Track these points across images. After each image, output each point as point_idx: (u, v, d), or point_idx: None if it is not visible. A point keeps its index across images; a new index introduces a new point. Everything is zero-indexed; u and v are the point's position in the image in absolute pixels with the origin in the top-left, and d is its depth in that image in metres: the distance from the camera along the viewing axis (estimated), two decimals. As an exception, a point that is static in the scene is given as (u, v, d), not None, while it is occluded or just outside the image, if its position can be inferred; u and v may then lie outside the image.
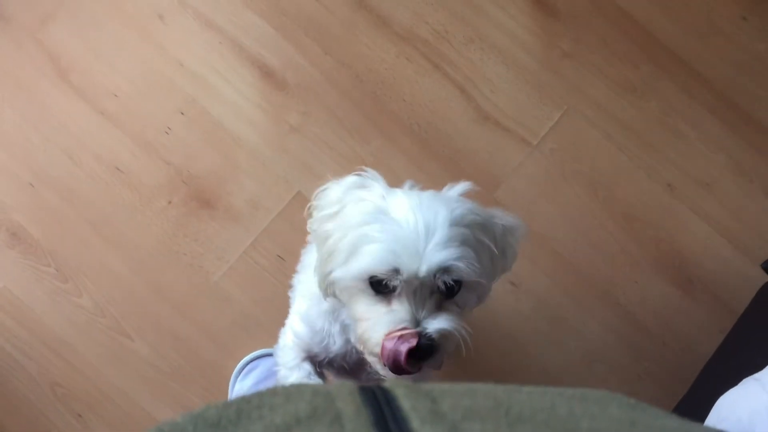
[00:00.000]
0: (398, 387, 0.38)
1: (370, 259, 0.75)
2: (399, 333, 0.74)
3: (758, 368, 0.93)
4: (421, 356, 0.74)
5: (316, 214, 0.86)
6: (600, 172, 1.52)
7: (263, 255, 1.46)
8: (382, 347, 0.75)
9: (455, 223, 0.76)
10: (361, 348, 0.81)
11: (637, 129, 1.53)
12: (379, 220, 0.77)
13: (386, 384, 0.39)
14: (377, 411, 0.35)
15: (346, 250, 0.78)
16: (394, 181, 0.86)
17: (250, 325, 1.44)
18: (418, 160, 1.50)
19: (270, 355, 1.39)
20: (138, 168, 1.48)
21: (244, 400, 0.36)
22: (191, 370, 1.42)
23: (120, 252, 1.45)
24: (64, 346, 1.42)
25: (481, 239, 0.79)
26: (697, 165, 1.53)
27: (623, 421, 0.37)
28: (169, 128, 1.49)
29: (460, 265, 0.74)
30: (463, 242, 0.76)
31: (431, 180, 1.45)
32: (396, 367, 0.75)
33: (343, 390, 0.37)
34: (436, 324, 0.75)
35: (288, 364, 1.00)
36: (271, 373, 1.35)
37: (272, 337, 1.08)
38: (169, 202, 1.47)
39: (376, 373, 0.84)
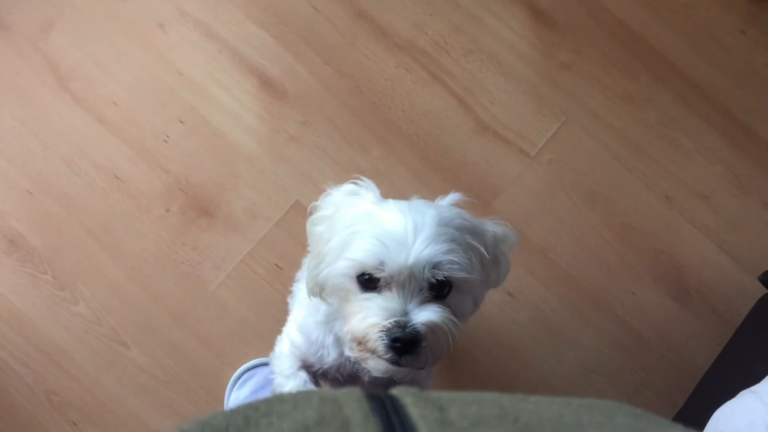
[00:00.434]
0: (406, 395, 0.38)
1: (358, 252, 0.76)
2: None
3: (755, 380, 0.93)
4: (403, 348, 0.75)
5: (314, 215, 0.89)
6: (598, 183, 1.52)
7: (261, 264, 1.45)
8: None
9: (444, 223, 0.78)
10: (352, 346, 0.82)
11: (636, 140, 1.54)
12: (368, 221, 0.79)
13: (394, 391, 0.39)
14: (385, 419, 0.35)
15: (336, 250, 0.80)
16: (392, 190, 0.87)
17: (247, 334, 1.43)
18: (416, 170, 1.50)
19: (266, 364, 1.38)
20: (136, 176, 1.47)
21: (252, 407, 0.36)
22: (187, 379, 1.41)
23: (117, 260, 1.44)
24: (60, 354, 1.41)
25: (471, 242, 0.80)
26: (695, 177, 1.53)
27: (630, 430, 0.37)
28: (168, 137, 1.49)
29: (448, 258, 0.75)
30: (452, 240, 0.77)
31: (429, 190, 1.45)
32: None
33: (351, 397, 0.37)
34: (423, 315, 0.76)
35: (284, 373, 1.00)
36: (268, 383, 1.35)
37: (269, 346, 1.07)
38: (168, 211, 1.46)
39: (370, 385, 0.84)
